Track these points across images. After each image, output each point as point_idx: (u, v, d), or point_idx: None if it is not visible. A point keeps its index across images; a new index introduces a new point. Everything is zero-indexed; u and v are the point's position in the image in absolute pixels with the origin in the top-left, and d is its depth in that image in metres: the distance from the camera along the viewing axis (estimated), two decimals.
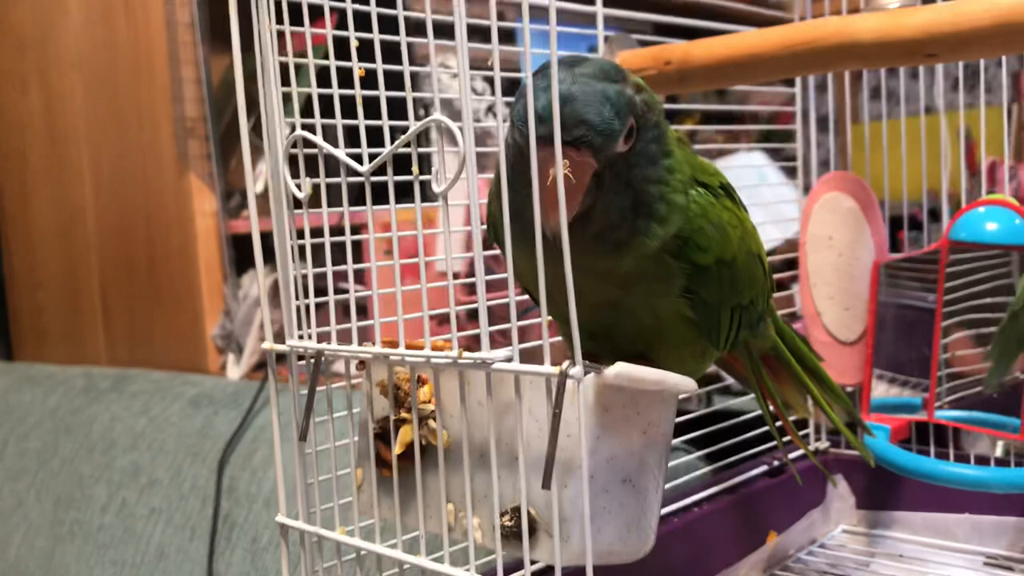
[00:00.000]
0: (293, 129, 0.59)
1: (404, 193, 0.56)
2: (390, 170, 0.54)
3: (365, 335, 0.62)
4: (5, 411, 1.69)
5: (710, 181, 0.64)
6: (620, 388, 0.51)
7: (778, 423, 0.84)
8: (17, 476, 1.59)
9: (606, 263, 0.58)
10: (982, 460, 0.95)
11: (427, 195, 0.54)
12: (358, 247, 1.09)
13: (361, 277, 1.18)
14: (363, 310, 0.67)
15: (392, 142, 0.53)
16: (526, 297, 0.73)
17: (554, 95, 0.46)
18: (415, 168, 0.51)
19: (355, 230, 0.59)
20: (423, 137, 0.52)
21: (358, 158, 0.56)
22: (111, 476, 1.46)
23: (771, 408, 0.82)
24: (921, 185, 1.03)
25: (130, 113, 1.77)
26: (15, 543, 1.53)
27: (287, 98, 0.60)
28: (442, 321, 0.91)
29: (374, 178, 0.55)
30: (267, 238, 0.63)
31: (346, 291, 0.62)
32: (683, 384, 0.53)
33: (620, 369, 0.49)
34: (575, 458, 0.49)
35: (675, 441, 1.09)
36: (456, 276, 0.94)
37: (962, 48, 0.67)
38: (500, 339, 0.58)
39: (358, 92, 0.55)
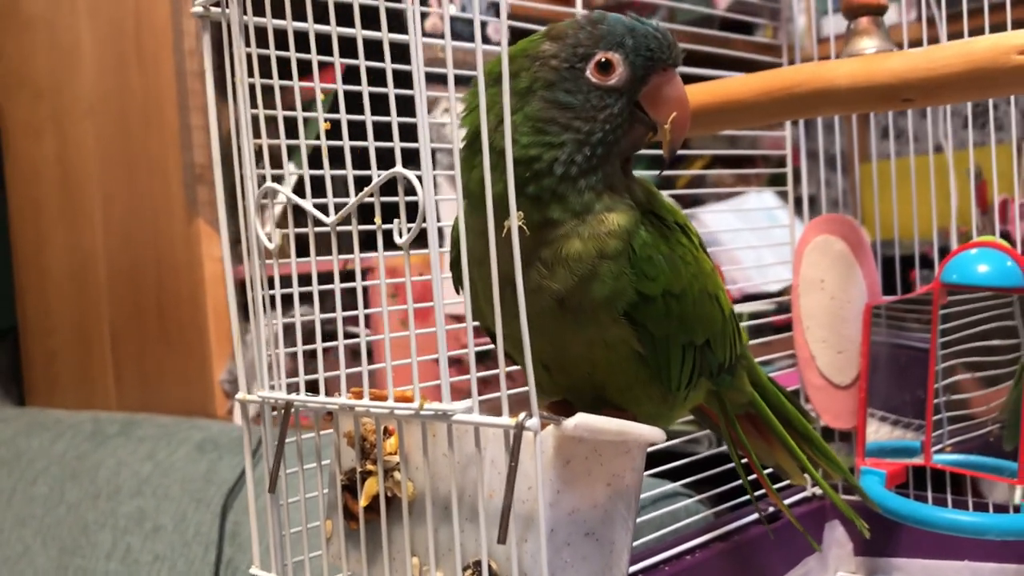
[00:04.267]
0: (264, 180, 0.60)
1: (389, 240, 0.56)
2: (355, 220, 0.54)
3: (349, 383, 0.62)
4: (14, 457, 1.70)
5: (665, 215, 0.64)
6: (581, 439, 0.50)
7: (753, 475, 0.83)
8: (24, 522, 1.59)
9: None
10: (981, 507, 0.93)
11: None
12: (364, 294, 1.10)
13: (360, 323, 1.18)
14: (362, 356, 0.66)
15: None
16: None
17: None
18: (378, 220, 0.51)
19: (354, 276, 0.59)
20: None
21: (336, 208, 0.57)
22: (116, 522, 1.46)
23: (744, 460, 0.80)
24: (932, 224, 1.03)
25: (141, 160, 1.79)
26: None
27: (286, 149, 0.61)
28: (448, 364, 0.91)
29: (342, 227, 0.56)
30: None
31: (348, 338, 0.62)
32: (648, 434, 0.52)
33: (580, 420, 0.49)
34: (535, 511, 0.48)
35: (675, 484, 1.08)
36: (460, 320, 0.94)
37: (937, 93, 0.67)
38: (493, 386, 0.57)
39: (324, 143, 0.55)
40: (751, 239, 1.39)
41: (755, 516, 0.99)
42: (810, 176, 1.12)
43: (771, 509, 1.00)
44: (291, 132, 0.60)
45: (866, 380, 0.99)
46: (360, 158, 0.57)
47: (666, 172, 0.67)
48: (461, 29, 1.57)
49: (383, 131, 0.55)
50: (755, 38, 1.99)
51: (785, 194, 1.11)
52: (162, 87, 1.73)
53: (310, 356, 0.62)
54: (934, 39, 0.88)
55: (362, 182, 0.56)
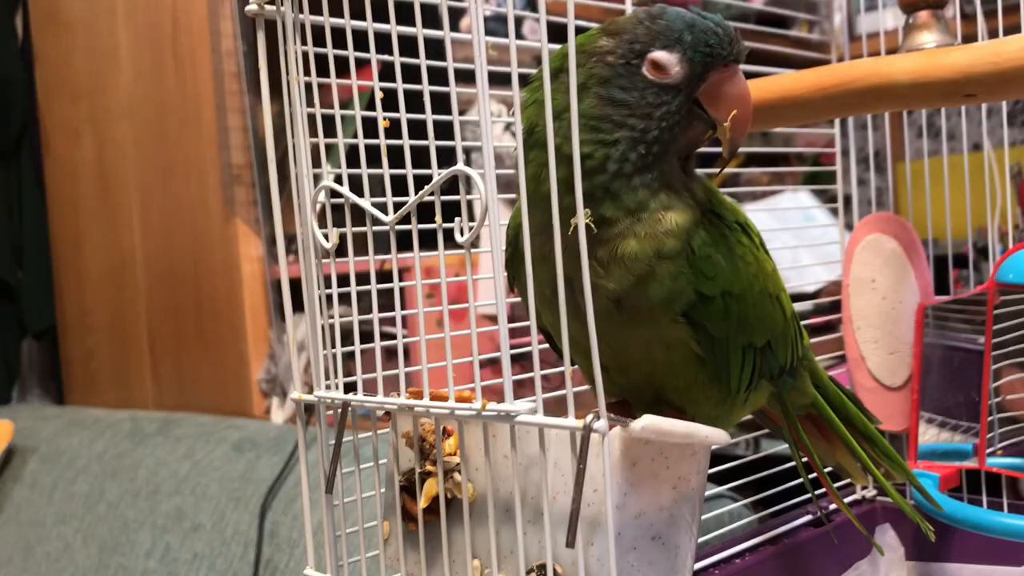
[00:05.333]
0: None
1: (446, 238, 0.56)
2: (414, 219, 0.53)
3: (396, 383, 0.61)
4: (54, 455, 1.71)
5: (726, 214, 0.63)
6: (648, 442, 0.49)
7: (813, 474, 0.81)
8: (65, 520, 1.60)
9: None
10: None
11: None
12: (402, 293, 1.10)
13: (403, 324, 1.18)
14: (405, 356, 0.66)
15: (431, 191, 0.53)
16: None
17: None
18: (438, 219, 0.51)
19: (397, 275, 0.58)
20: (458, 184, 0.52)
21: (390, 207, 0.56)
22: (155, 520, 1.47)
23: (804, 459, 0.79)
24: (974, 222, 1.01)
25: (178, 161, 1.80)
26: None
27: (328, 148, 0.61)
28: (484, 365, 0.90)
29: (400, 227, 0.55)
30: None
31: (387, 338, 0.62)
32: (714, 436, 0.51)
33: (647, 422, 0.48)
34: (602, 514, 0.47)
35: (720, 488, 1.07)
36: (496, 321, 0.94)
37: (1003, 87, 0.65)
38: (546, 384, 0.56)
39: (383, 142, 0.55)
40: (787, 239, 1.37)
41: (804, 519, 0.98)
42: (845, 175, 1.11)
43: (821, 512, 0.99)
44: (333, 131, 0.60)
45: (918, 382, 0.97)
46: (403, 157, 0.57)
47: (700, 171, 0.65)
48: (495, 28, 1.56)
49: (424, 130, 0.54)
50: (794, 33, 1.98)
51: (821, 193, 1.09)
52: (199, 88, 1.74)
53: (349, 356, 0.62)
54: (971, 37, 0.86)
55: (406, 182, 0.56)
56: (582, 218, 0.44)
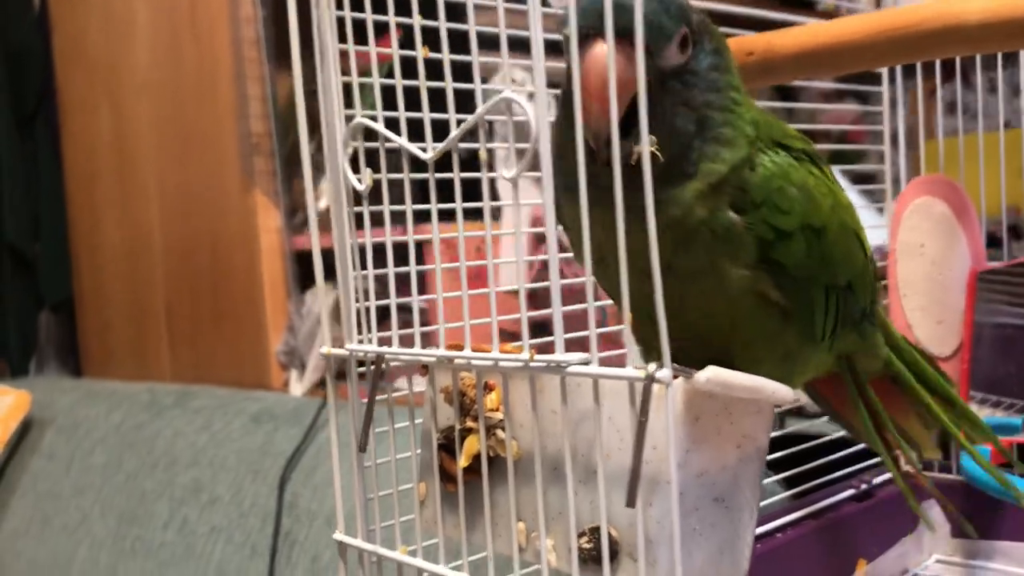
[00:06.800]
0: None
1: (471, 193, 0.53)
2: (455, 158, 0.50)
3: (429, 340, 0.58)
4: (72, 426, 1.70)
5: (792, 144, 0.59)
6: (712, 395, 0.45)
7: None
8: (82, 491, 1.59)
9: (664, 206, 0.52)
10: None
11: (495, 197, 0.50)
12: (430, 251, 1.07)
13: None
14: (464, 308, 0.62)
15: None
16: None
17: None
18: (483, 153, 0.47)
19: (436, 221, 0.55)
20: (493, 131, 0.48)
21: (430, 150, 0.53)
22: (173, 492, 1.45)
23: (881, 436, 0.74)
24: (1001, 202, 0.98)
25: (196, 132, 1.77)
26: (80, 558, 1.53)
27: (359, 90, 0.57)
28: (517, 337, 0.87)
29: (439, 175, 0.52)
30: (328, 255, 0.59)
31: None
32: (780, 393, 0.48)
33: (712, 374, 0.44)
34: (662, 473, 0.44)
35: None
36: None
37: None
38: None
39: (423, 83, 0.51)
40: None
41: (847, 494, 0.94)
42: (872, 152, 1.08)
43: (864, 487, 0.95)
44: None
45: (969, 351, 0.93)
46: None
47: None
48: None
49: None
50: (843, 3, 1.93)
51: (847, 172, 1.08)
52: (217, 58, 1.71)
53: (384, 312, 0.58)
54: None
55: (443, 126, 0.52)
56: (647, 148, 0.40)
